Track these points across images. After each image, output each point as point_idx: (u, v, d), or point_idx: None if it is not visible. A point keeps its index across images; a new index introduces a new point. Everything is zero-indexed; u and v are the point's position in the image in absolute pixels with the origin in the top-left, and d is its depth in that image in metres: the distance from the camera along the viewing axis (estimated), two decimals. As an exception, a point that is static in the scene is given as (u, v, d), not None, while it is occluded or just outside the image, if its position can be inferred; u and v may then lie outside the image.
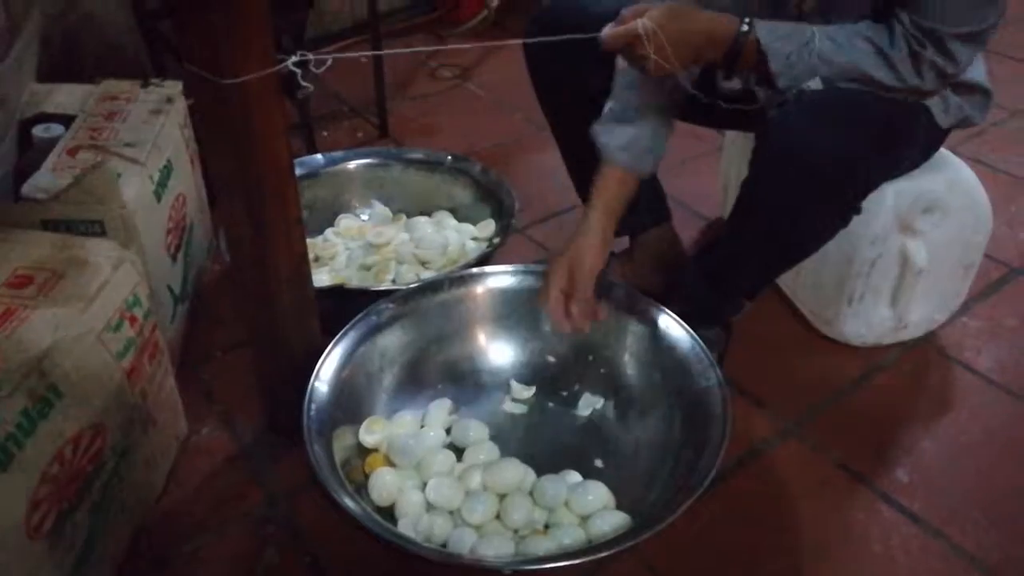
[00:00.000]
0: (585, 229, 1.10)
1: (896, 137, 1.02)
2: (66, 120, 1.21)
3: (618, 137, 1.10)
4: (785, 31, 0.96)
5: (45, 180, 1.06)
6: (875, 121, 0.97)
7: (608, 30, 0.97)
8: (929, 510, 1.06)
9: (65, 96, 1.28)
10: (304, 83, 0.97)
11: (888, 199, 1.16)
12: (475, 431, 1.09)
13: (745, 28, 0.95)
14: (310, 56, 0.93)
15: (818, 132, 0.94)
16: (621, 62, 1.09)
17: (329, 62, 0.95)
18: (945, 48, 0.92)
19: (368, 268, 1.37)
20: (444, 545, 0.95)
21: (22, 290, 0.88)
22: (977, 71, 1.06)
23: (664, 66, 0.95)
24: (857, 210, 1.01)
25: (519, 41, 1.18)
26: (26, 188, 1.05)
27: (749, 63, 0.97)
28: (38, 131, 1.19)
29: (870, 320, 1.27)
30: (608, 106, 1.12)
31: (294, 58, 0.90)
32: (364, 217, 1.51)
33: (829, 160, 0.95)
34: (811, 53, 0.95)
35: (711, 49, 0.98)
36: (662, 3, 0.98)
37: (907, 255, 1.21)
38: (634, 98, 1.10)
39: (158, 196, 1.16)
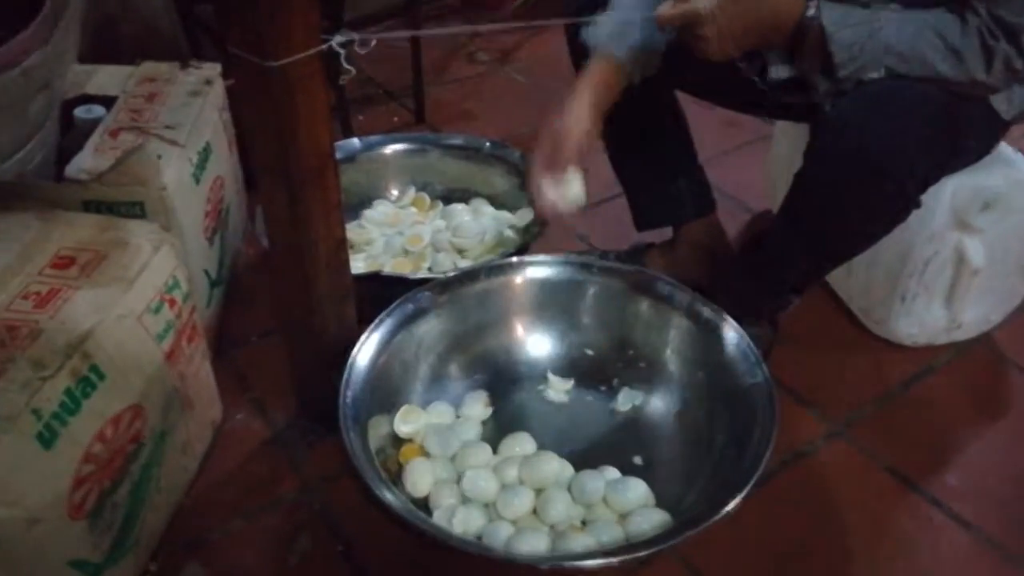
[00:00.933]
0: (571, 98, 1.05)
1: (956, 129, 0.98)
2: (107, 101, 1.21)
3: (604, 26, 1.06)
4: (853, 18, 0.92)
5: (87, 161, 1.06)
6: (935, 113, 0.93)
7: (665, 8, 0.93)
8: (981, 517, 1.02)
9: (106, 78, 1.28)
10: (347, 66, 0.95)
11: (946, 195, 1.12)
12: (513, 427, 1.07)
13: (812, 12, 0.91)
14: (355, 36, 0.91)
15: (875, 124, 0.91)
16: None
17: (373, 43, 0.93)
18: (1019, 43, 0.88)
19: (404, 255, 1.36)
20: (479, 539, 0.93)
21: (65, 271, 0.88)
22: None
23: (724, 49, 0.91)
24: (917, 204, 0.97)
25: (560, 22, 1.16)
26: (69, 169, 1.05)
27: (814, 50, 0.93)
28: (80, 112, 1.19)
29: (923, 320, 1.22)
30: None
31: (338, 38, 0.88)
32: (401, 203, 1.50)
33: (887, 153, 0.91)
34: (877, 44, 0.91)
35: (774, 33, 0.93)
36: None
37: (964, 254, 1.17)
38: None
39: (197, 178, 1.16)
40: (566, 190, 1.06)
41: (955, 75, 0.91)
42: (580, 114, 1.05)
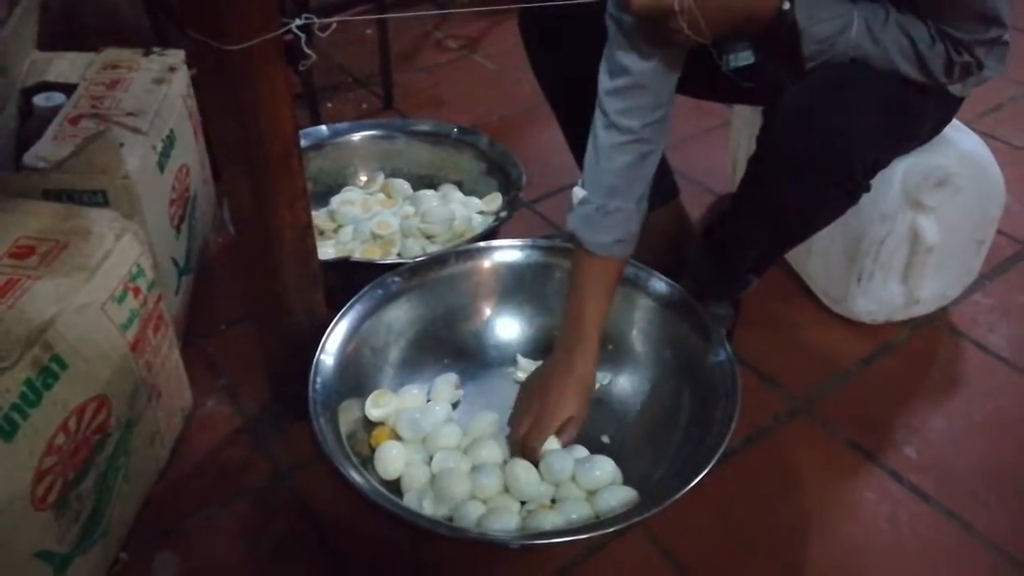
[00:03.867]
0: (574, 366, 1.03)
1: (910, 114, 1.00)
2: (68, 89, 1.19)
3: (608, 231, 1.02)
4: (825, 14, 0.92)
5: (47, 149, 1.04)
6: (888, 99, 0.94)
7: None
8: (939, 488, 1.05)
9: (67, 64, 1.26)
10: (308, 51, 0.94)
11: (897, 175, 1.14)
12: (481, 415, 1.08)
13: (787, 6, 0.90)
14: (314, 19, 0.90)
15: (827, 110, 0.92)
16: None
17: (333, 27, 0.93)
18: (974, 53, 0.91)
19: (373, 241, 1.36)
20: (450, 519, 0.95)
21: (24, 260, 0.87)
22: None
23: (695, 40, 0.90)
24: (866, 188, 0.99)
25: (525, 6, 1.16)
26: (27, 157, 1.03)
27: (781, 42, 0.94)
28: (39, 100, 1.17)
29: (880, 297, 1.25)
30: (581, 194, 1.04)
31: (298, 21, 0.88)
32: (370, 190, 1.49)
33: (836, 140, 0.92)
34: (846, 41, 0.92)
35: (747, 26, 0.93)
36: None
37: (917, 232, 1.19)
38: (619, 175, 1.02)
39: (161, 166, 1.15)
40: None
41: (916, 76, 0.93)
42: (575, 402, 1.03)
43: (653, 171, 1.04)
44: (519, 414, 1.06)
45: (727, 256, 1.13)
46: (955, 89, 1.02)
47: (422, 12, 2.13)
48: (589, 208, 1.03)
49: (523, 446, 1.02)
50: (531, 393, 1.07)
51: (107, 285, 0.90)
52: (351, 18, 0.98)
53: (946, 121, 1.12)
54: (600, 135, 1.02)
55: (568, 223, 1.05)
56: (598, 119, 1.02)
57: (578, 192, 1.05)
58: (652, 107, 1.00)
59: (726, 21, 0.92)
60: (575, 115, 1.25)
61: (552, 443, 1.01)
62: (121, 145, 1.05)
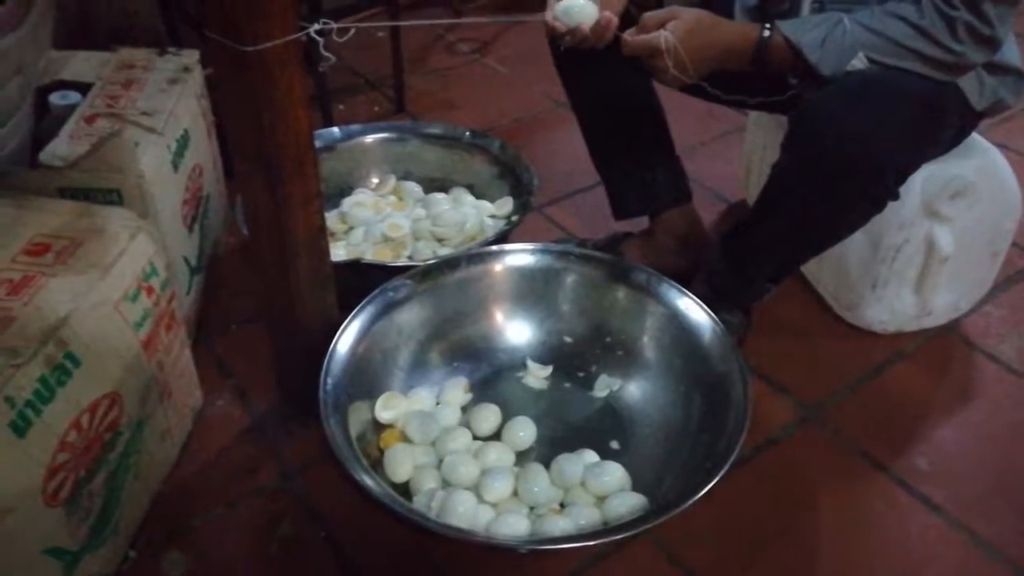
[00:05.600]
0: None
1: (933, 121, 1.00)
2: (83, 88, 1.19)
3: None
4: (811, 22, 0.95)
5: (63, 147, 1.05)
6: (913, 105, 0.95)
7: (629, 36, 0.98)
8: (949, 499, 1.04)
9: (82, 64, 1.26)
10: (326, 53, 0.95)
11: (916, 184, 1.14)
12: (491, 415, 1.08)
13: (767, 33, 0.95)
14: (332, 24, 0.91)
15: (854, 116, 0.93)
16: None
17: (352, 31, 0.93)
18: (978, 9, 0.90)
19: (384, 243, 1.36)
20: (460, 522, 0.94)
21: (40, 258, 0.88)
22: (1011, 52, 1.04)
23: (682, 79, 0.97)
24: (895, 196, 0.99)
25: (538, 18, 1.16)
26: (43, 155, 1.04)
27: (784, 63, 0.97)
28: (55, 98, 1.18)
29: (893, 307, 1.25)
30: None
31: (316, 26, 0.88)
32: (381, 192, 1.50)
33: (866, 145, 0.93)
34: (843, 35, 0.93)
35: (733, 60, 0.98)
36: (688, 8, 0.98)
37: (933, 241, 1.19)
38: None
39: (175, 166, 1.15)
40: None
41: (931, 50, 0.93)
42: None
43: None
44: None
45: (746, 264, 1.13)
46: (973, 99, 1.02)
47: (438, 20, 2.13)
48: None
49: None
50: None
51: (121, 283, 0.90)
52: (370, 24, 0.98)
53: (966, 133, 1.13)
54: None
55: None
56: None
57: None
58: None
59: (709, 57, 0.98)
60: (596, 123, 1.26)
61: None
62: (136, 145, 1.06)
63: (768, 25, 0.96)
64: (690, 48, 0.96)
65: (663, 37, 0.96)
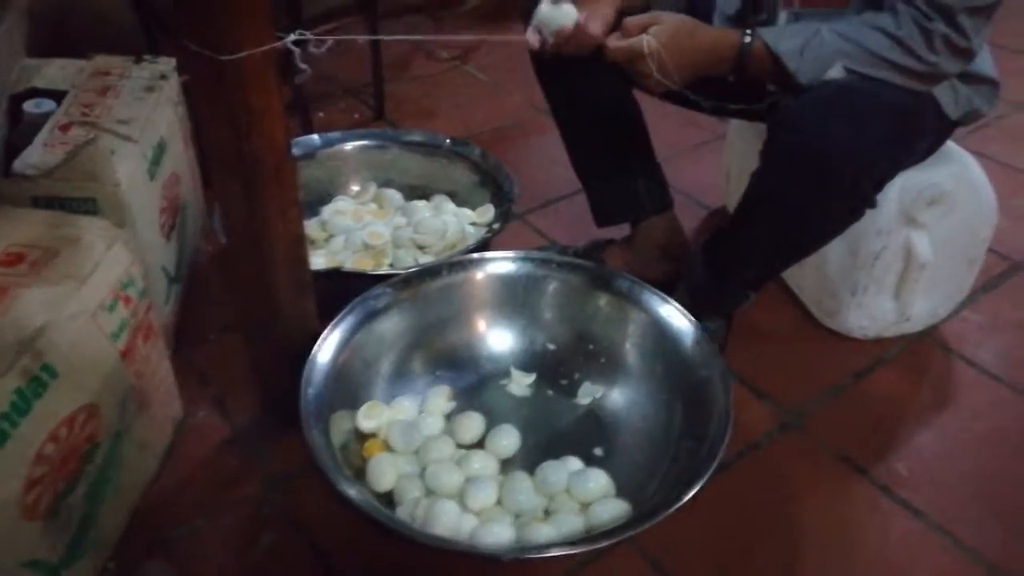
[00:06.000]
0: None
1: (909, 130, 1.01)
2: (58, 95, 1.18)
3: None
4: (791, 31, 0.97)
5: (37, 156, 1.03)
6: (887, 113, 0.96)
7: (612, 43, 0.99)
8: (929, 504, 1.05)
9: (57, 71, 1.25)
10: (302, 65, 0.94)
11: (893, 191, 1.15)
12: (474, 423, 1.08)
13: (748, 39, 0.96)
14: (308, 36, 0.90)
15: (832, 125, 0.94)
16: None
17: (329, 43, 0.93)
18: (954, 22, 0.91)
19: (365, 251, 1.35)
20: (443, 531, 0.94)
21: (14, 268, 0.86)
22: (985, 62, 1.06)
23: (665, 84, 0.97)
24: (872, 204, 1.00)
25: (518, 38, 1.17)
26: (17, 164, 1.02)
27: (763, 71, 0.98)
28: (29, 106, 1.16)
29: (873, 312, 1.26)
30: None
31: (292, 36, 0.88)
32: (362, 200, 1.49)
33: (844, 154, 0.94)
34: (822, 44, 0.94)
35: (715, 65, 0.99)
36: (670, 13, 0.99)
37: (911, 248, 1.20)
38: None
39: (151, 174, 1.14)
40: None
41: (907, 61, 0.94)
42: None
43: None
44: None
45: (727, 271, 1.13)
46: (948, 108, 1.04)
47: (414, 36, 2.13)
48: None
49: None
50: None
51: (98, 294, 0.89)
52: (345, 37, 0.98)
53: (940, 142, 1.14)
54: None
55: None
56: None
57: None
58: None
59: (691, 61, 0.98)
60: (577, 132, 1.26)
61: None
62: (112, 153, 1.05)
63: (749, 31, 0.97)
64: (673, 52, 0.96)
65: (645, 41, 0.96)
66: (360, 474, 0.99)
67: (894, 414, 1.19)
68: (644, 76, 0.99)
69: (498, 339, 1.19)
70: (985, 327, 1.34)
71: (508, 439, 1.05)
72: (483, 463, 1.01)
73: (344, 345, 1.06)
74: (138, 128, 1.12)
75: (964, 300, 1.35)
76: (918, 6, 0.91)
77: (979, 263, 1.31)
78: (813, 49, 0.95)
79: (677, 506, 0.86)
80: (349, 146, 1.51)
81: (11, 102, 1.20)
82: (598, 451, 1.06)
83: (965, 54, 0.95)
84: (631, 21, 0.99)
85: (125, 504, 0.97)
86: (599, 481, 0.98)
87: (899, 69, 0.94)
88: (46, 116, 1.12)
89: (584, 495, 0.97)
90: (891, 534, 1.02)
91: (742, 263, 1.12)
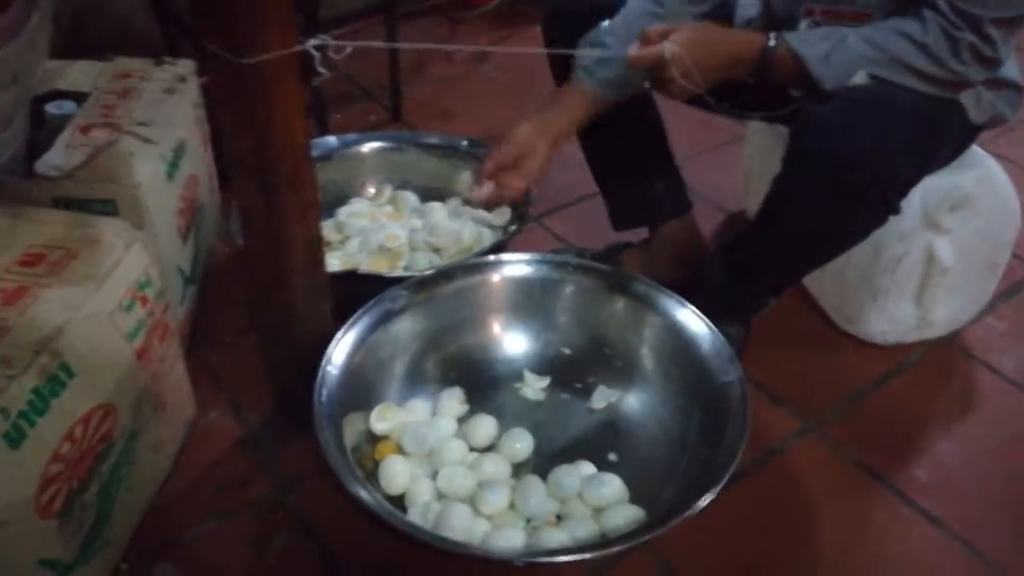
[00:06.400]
0: (545, 113, 1.14)
1: (934, 136, 0.99)
2: (79, 97, 1.19)
3: (607, 70, 1.11)
4: (817, 35, 0.95)
5: (58, 158, 1.04)
6: (912, 120, 0.95)
7: (633, 51, 0.99)
8: (949, 512, 1.04)
9: (78, 73, 1.26)
10: (321, 69, 0.94)
11: (916, 196, 1.13)
12: (487, 427, 1.07)
13: (772, 43, 0.95)
14: (329, 41, 0.91)
15: (857, 131, 0.93)
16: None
17: (349, 49, 0.93)
18: (982, 31, 0.90)
19: (380, 253, 1.35)
20: (455, 535, 0.93)
21: (34, 268, 0.87)
22: (1010, 67, 1.04)
23: (689, 89, 0.96)
24: (896, 210, 0.99)
25: (539, 51, 1.22)
26: (39, 165, 1.03)
27: (786, 75, 0.97)
28: (51, 108, 1.18)
29: (893, 318, 1.24)
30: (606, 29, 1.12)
31: (313, 41, 0.88)
32: (378, 201, 1.49)
33: (869, 160, 0.93)
34: (847, 49, 0.93)
35: (739, 68, 0.98)
36: (690, 20, 0.98)
37: (933, 253, 1.18)
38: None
39: (170, 176, 1.15)
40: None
41: (932, 68, 0.93)
42: (547, 134, 1.15)
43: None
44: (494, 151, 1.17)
45: (746, 276, 1.12)
46: (972, 113, 1.02)
47: (433, 45, 2.13)
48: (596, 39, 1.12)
49: (495, 171, 1.17)
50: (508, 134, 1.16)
51: (115, 294, 0.89)
52: (365, 44, 0.98)
53: (964, 147, 1.13)
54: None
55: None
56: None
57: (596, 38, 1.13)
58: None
59: (715, 66, 0.98)
60: (595, 135, 1.26)
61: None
62: (131, 155, 1.05)
63: (774, 35, 0.96)
64: (695, 56, 0.96)
65: (667, 47, 0.95)
66: (372, 476, 0.99)
67: (914, 420, 1.17)
68: (668, 82, 0.99)
69: (512, 342, 1.18)
70: (1007, 333, 1.32)
71: (521, 443, 1.04)
72: (496, 467, 1.01)
73: (358, 347, 1.06)
74: (158, 130, 1.13)
75: (986, 305, 1.33)
76: (946, 14, 0.90)
77: (1002, 268, 1.29)
78: (839, 54, 0.93)
79: (692, 512, 0.85)
80: (366, 148, 1.51)
81: (33, 104, 1.21)
82: (612, 456, 1.05)
83: (991, 63, 0.94)
84: (652, 30, 0.99)
85: (138, 504, 0.98)
86: (613, 486, 0.97)
87: (924, 76, 0.93)
88: (67, 117, 1.13)
89: (598, 500, 0.96)
90: (909, 541, 1.00)
91: (762, 268, 1.11)
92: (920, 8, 0.92)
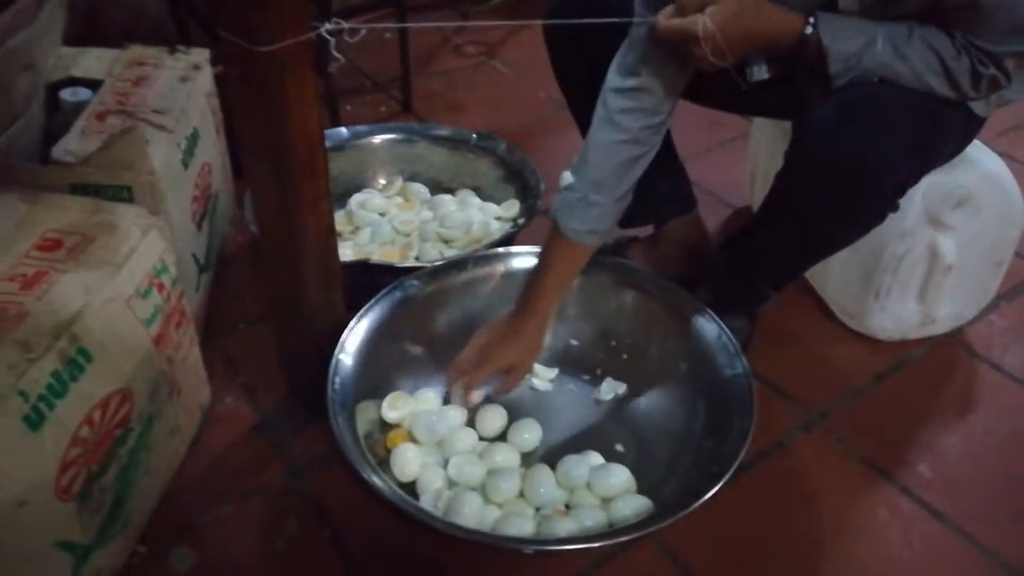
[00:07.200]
0: (524, 326, 1.08)
1: (937, 133, 1.00)
2: (93, 84, 1.20)
3: (583, 221, 1.04)
4: (848, 31, 0.92)
5: (74, 144, 1.05)
6: (917, 117, 0.95)
7: (665, 20, 0.91)
8: (952, 506, 1.05)
9: (92, 60, 1.27)
10: (336, 54, 0.95)
11: (919, 193, 1.15)
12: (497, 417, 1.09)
13: (810, 29, 0.92)
14: (344, 25, 0.91)
15: (858, 128, 0.93)
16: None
17: (363, 32, 0.94)
18: (1002, 66, 0.91)
19: (391, 243, 1.37)
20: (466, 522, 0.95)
21: (52, 253, 0.88)
22: None
23: (718, 65, 0.91)
24: (895, 207, 1.00)
25: (544, 22, 1.17)
26: (56, 151, 1.04)
27: (810, 59, 0.94)
28: (65, 94, 1.18)
29: (897, 314, 1.25)
30: (569, 179, 1.06)
31: (328, 25, 0.89)
32: (388, 192, 1.50)
33: (869, 157, 0.93)
34: (872, 58, 0.92)
35: (771, 49, 0.94)
36: None
37: (936, 250, 1.19)
38: (605, 167, 1.04)
39: (185, 164, 1.16)
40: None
41: (944, 91, 0.93)
42: (532, 346, 1.11)
43: (639, 174, 1.05)
44: (459, 357, 1.10)
45: (749, 270, 1.13)
46: (978, 109, 1.03)
47: (445, 22, 2.14)
48: (572, 196, 1.05)
49: (459, 383, 1.08)
50: (475, 340, 1.10)
51: (133, 280, 0.91)
52: (380, 26, 0.99)
53: (967, 141, 1.13)
54: (597, 129, 1.03)
55: (551, 203, 1.07)
56: (599, 113, 1.03)
57: (566, 176, 1.07)
58: (653, 112, 1.01)
59: (748, 46, 0.93)
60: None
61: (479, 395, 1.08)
62: (147, 142, 1.06)
63: (812, 20, 0.92)
64: (729, 37, 0.89)
65: (702, 23, 0.88)
66: (384, 464, 1.01)
67: (917, 416, 1.18)
68: (697, 58, 0.92)
69: (521, 333, 1.19)
70: (1011, 330, 1.33)
71: (530, 433, 1.06)
72: (506, 456, 1.02)
73: (370, 336, 1.07)
74: (172, 118, 1.14)
75: (990, 303, 1.34)
76: (974, 52, 0.90)
77: (1005, 266, 1.30)
78: (862, 63, 0.92)
79: (698, 503, 0.86)
80: (377, 139, 1.52)
81: (48, 90, 1.22)
82: (619, 447, 1.06)
83: (1000, 89, 0.95)
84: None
85: (155, 488, 0.99)
86: (620, 476, 0.99)
87: (935, 94, 0.94)
88: (82, 104, 1.14)
89: (605, 490, 0.98)
90: (912, 536, 1.02)
91: (764, 263, 1.12)
92: (954, 32, 0.91)
